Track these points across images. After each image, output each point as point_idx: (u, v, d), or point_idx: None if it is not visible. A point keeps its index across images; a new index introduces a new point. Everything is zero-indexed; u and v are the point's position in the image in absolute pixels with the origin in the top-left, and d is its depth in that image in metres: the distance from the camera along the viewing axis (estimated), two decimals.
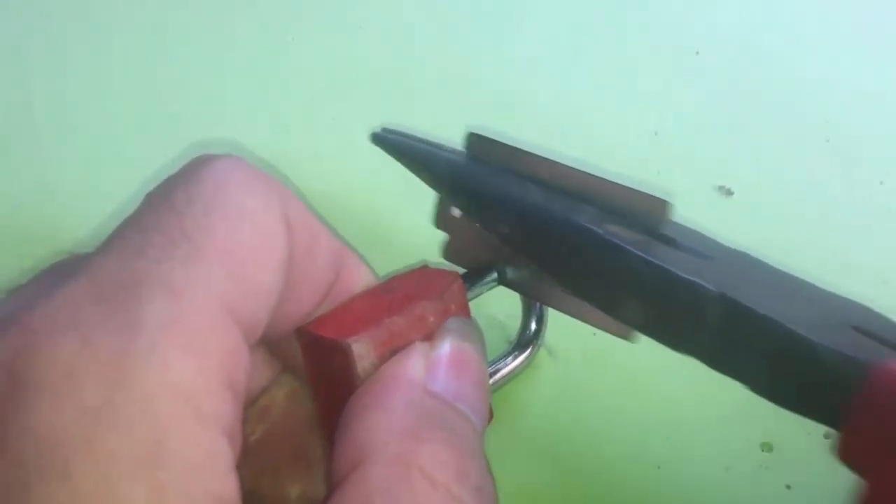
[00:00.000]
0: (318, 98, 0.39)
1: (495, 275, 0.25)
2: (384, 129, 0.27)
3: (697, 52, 0.39)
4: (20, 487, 0.14)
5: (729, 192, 0.35)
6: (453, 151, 0.26)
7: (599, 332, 0.26)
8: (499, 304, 0.30)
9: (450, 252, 0.26)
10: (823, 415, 0.20)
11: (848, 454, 0.19)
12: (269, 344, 0.22)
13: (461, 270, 0.25)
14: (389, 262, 0.25)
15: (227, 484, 0.16)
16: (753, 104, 0.38)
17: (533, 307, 0.29)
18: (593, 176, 0.23)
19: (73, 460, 0.14)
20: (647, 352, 0.31)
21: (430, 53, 0.40)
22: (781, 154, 0.36)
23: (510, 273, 0.26)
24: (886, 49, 0.39)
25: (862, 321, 0.21)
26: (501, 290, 0.27)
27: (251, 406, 0.22)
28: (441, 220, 0.26)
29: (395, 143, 0.26)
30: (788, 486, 0.28)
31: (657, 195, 0.22)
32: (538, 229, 0.23)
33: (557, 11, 0.41)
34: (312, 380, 0.22)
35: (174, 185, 0.18)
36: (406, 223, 0.27)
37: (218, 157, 0.19)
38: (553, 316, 0.29)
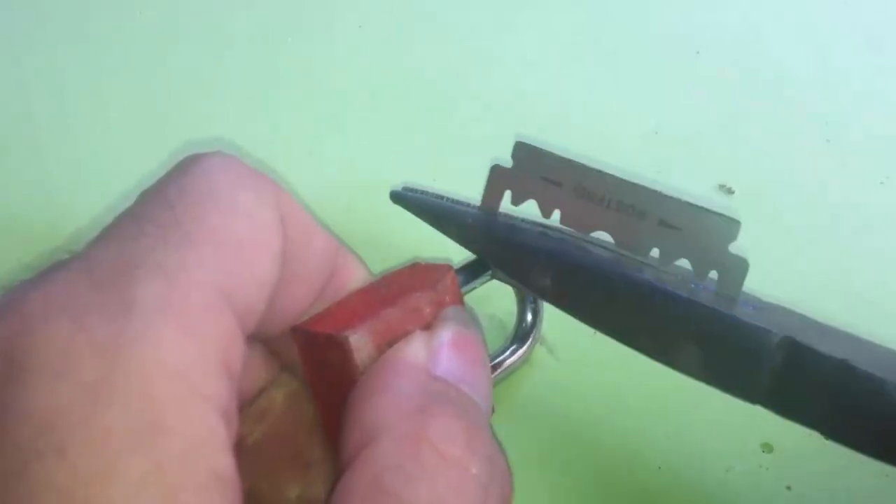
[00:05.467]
0: (317, 98, 0.39)
1: (489, 269, 0.25)
2: (404, 188, 0.27)
3: (697, 52, 0.39)
4: (18, 467, 0.14)
5: (730, 191, 0.35)
6: (475, 207, 0.26)
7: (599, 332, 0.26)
8: (497, 302, 0.30)
9: None
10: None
11: None
12: (266, 343, 0.22)
13: (454, 264, 0.25)
14: (384, 259, 0.25)
15: (223, 461, 0.16)
16: (753, 104, 0.38)
17: (527, 300, 0.29)
18: (654, 191, 0.22)
19: (70, 439, 0.14)
20: None
21: (430, 53, 0.40)
22: (782, 154, 0.36)
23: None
24: (886, 49, 0.39)
25: None
26: (500, 288, 0.27)
27: (250, 407, 0.22)
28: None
29: (415, 201, 0.26)
30: (788, 487, 0.28)
31: (726, 214, 0.21)
32: (582, 280, 0.23)
33: (557, 11, 0.41)
34: (311, 378, 0.22)
35: (167, 181, 0.18)
36: (402, 221, 0.27)
37: (211, 154, 0.19)
38: (552, 314, 0.29)
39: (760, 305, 0.22)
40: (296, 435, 0.22)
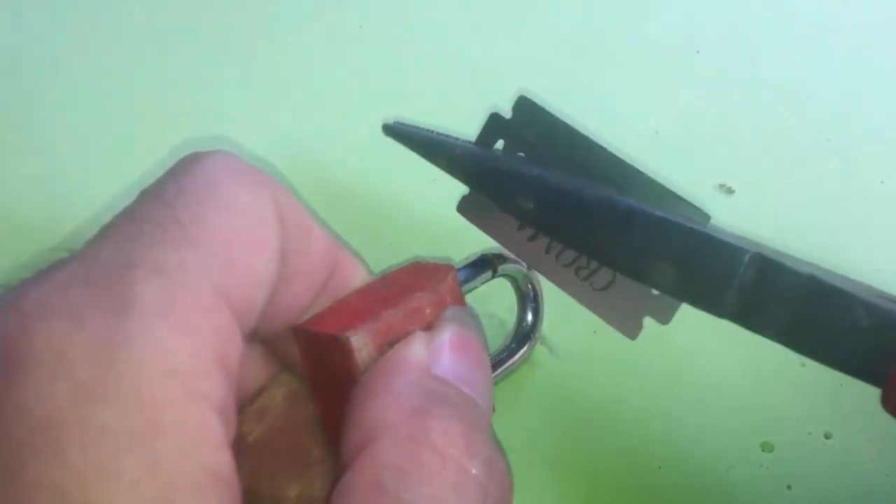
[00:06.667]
0: (316, 98, 0.39)
1: (490, 268, 0.25)
2: (396, 121, 0.28)
3: (698, 52, 0.39)
4: (14, 466, 0.14)
5: (730, 191, 0.35)
6: (467, 141, 0.26)
7: (600, 331, 0.26)
8: (498, 301, 0.30)
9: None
10: (861, 369, 0.20)
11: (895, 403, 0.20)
12: (266, 342, 0.22)
13: (454, 264, 0.25)
14: (384, 257, 0.25)
15: (220, 460, 0.16)
16: (754, 103, 0.38)
17: (528, 300, 0.29)
18: (639, 172, 0.23)
19: (66, 438, 0.14)
20: (647, 351, 0.31)
21: (430, 53, 0.40)
22: (782, 153, 0.36)
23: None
24: (886, 49, 0.39)
25: (884, 294, 0.22)
26: (500, 286, 0.27)
27: (250, 405, 0.22)
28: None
29: (406, 133, 0.27)
30: (789, 487, 0.28)
31: (699, 206, 0.23)
32: (565, 202, 0.24)
33: (557, 11, 0.41)
34: (311, 378, 0.22)
35: (166, 180, 0.18)
36: (401, 220, 0.27)
37: (210, 152, 0.19)
38: (553, 314, 0.29)
39: (731, 234, 0.23)
40: (295, 434, 0.22)
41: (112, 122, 0.39)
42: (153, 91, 0.40)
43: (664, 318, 0.24)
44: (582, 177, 0.24)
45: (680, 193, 0.23)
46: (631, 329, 0.24)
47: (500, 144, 0.26)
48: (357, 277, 0.23)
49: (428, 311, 0.21)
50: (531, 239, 0.25)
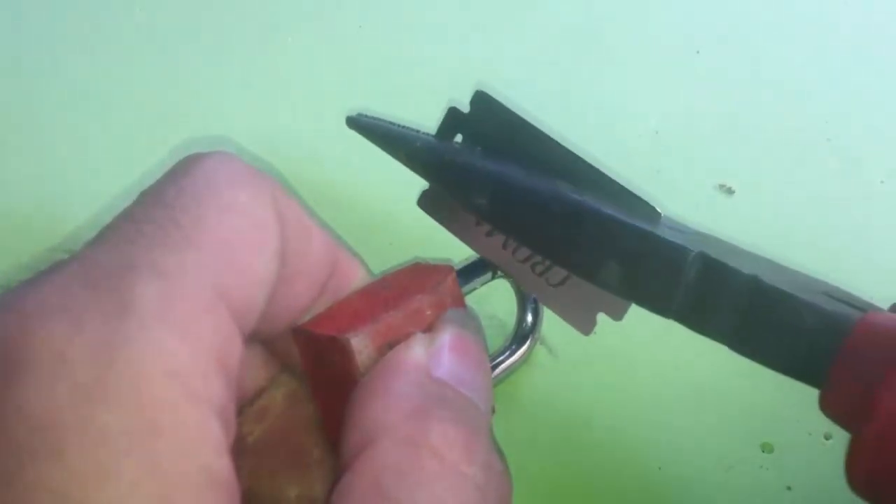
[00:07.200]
0: (316, 98, 0.39)
1: (489, 270, 0.25)
2: (359, 114, 0.28)
3: (698, 52, 0.39)
4: (14, 468, 0.14)
5: (730, 191, 0.35)
6: (427, 134, 0.26)
7: (600, 331, 0.26)
8: (498, 302, 0.30)
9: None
10: (803, 371, 0.20)
11: (833, 406, 0.20)
12: (266, 343, 0.22)
13: (454, 265, 0.25)
14: (384, 258, 0.25)
15: (219, 462, 0.16)
16: (754, 104, 0.38)
17: (528, 301, 0.29)
18: (593, 167, 0.23)
19: (65, 439, 0.14)
20: (647, 351, 0.31)
21: (430, 53, 0.40)
22: (782, 153, 0.36)
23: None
24: (886, 49, 0.39)
25: (831, 291, 0.22)
26: (500, 287, 0.27)
27: (249, 406, 0.22)
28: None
29: (369, 125, 0.27)
30: (789, 487, 0.28)
31: (649, 202, 0.23)
32: (517, 199, 0.24)
33: (557, 11, 0.41)
34: (311, 379, 0.22)
35: (166, 181, 0.18)
36: (402, 220, 0.27)
37: (210, 153, 0.19)
38: (552, 314, 0.29)
39: (682, 229, 0.23)
40: (295, 434, 0.22)
41: (112, 122, 0.39)
42: (153, 91, 0.40)
43: (617, 314, 0.24)
44: (538, 172, 0.24)
45: (632, 189, 0.23)
46: (584, 325, 0.24)
47: (460, 139, 0.26)
48: (357, 278, 0.23)
49: (428, 312, 0.21)
50: (489, 234, 0.25)
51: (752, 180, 0.35)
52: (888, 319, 0.19)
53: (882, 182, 0.35)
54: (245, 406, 0.22)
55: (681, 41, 0.40)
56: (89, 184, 0.37)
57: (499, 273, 0.26)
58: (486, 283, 0.26)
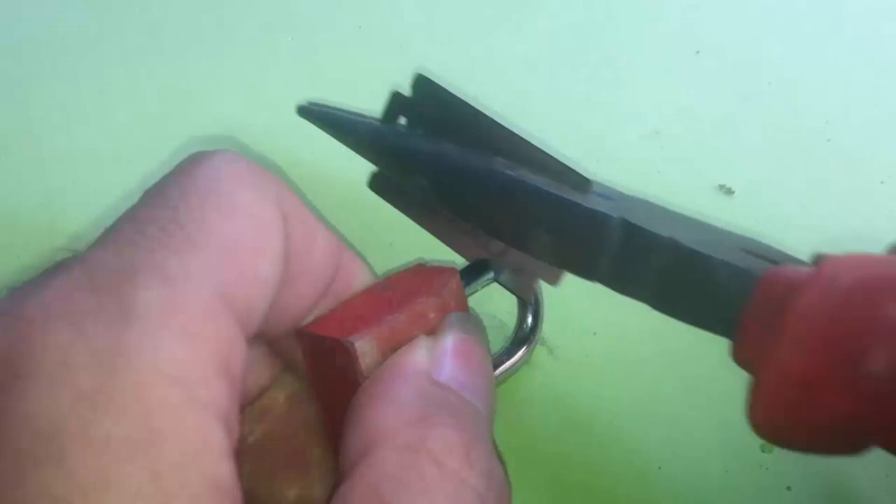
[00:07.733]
0: (318, 97, 0.39)
1: (491, 272, 0.26)
2: (310, 102, 0.29)
3: (697, 52, 0.39)
4: (17, 475, 0.14)
5: (730, 191, 0.35)
6: (374, 119, 0.27)
7: (600, 332, 0.26)
8: (498, 303, 0.30)
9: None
10: (718, 324, 0.21)
11: (741, 355, 0.21)
12: (269, 342, 0.22)
13: (458, 266, 0.25)
14: (386, 258, 0.25)
15: (222, 469, 0.16)
16: (754, 104, 0.38)
17: (528, 303, 0.29)
18: (531, 144, 0.24)
19: (68, 447, 0.14)
20: (647, 351, 0.31)
21: (430, 53, 0.40)
22: (782, 153, 0.36)
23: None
24: (886, 49, 0.39)
25: (751, 247, 0.22)
26: (500, 289, 0.27)
27: (251, 406, 0.22)
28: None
29: (319, 114, 0.28)
30: (789, 487, 0.28)
31: (580, 171, 0.23)
32: (455, 177, 0.25)
33: (557, 11, 0.41)
34: (314, 380, 0.22)
35: (169, 181, 0.18)
36: (403, 220, 0.27)
37: (213, 153, 0.19)
38: (553, 315, 0.29)
39: (611, 195, 0.24)
40: (296, 435, 0.22)
41: (112, 122, 0.39)
42: (154, 91, 0.40)
43: (553, 280, 0.26)
44: (476, 150, 0.24)
45: (561, 159, 0.24)
46: (526, 293, 0.26)
47: (404, 122, 0.26)
48: (360, 278, 0.22)
49: (432, 315, 0.21)
50: (433, 212, 0.26)
51: (752, 180, 0.35)
52: (791, 271, 0.20)
53: (882, 182, 0.35)
54: (247, 405, 0.22)
55: (681, 41, 0.40)
56: (91, 183, 0.37)
57: (500, 276, 0.26)
58: (486, 284, 0.26)
